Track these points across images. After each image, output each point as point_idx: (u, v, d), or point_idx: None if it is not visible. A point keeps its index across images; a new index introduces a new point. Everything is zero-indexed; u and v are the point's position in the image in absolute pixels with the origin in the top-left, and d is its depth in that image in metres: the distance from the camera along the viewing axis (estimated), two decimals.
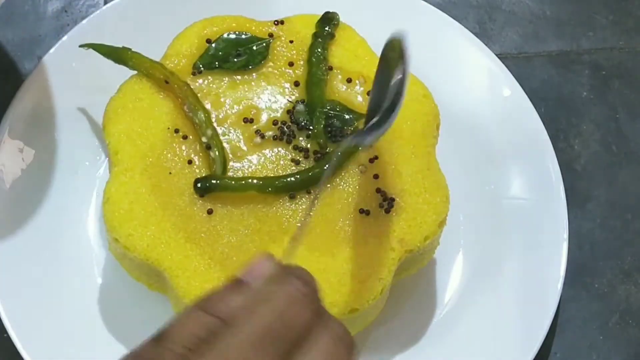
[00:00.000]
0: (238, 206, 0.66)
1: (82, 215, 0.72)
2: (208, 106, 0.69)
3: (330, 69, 0.71)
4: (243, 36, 0.72)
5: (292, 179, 0.67)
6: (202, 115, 0.68)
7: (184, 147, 0.68)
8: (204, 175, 0.67)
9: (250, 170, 0.67)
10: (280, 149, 0.68)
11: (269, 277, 0.45)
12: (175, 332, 0.41)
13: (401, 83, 0.61)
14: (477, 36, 0.80)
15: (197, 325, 0.42)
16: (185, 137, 0.68)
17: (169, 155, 0.68)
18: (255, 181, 0.66)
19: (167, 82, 0.69)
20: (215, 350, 0.40)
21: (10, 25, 0.80)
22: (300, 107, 0.69)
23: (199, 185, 0.66)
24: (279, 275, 0.45)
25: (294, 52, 0.71)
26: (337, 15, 0.72)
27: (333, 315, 0.63)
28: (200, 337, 0.41)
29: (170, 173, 0.67)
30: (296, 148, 0.68)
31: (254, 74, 0.71)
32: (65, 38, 0.75)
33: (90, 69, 0.73)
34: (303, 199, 0.67)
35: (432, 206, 0.67)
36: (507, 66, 0.78)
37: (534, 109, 0.77)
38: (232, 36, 0.71)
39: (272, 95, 0.70)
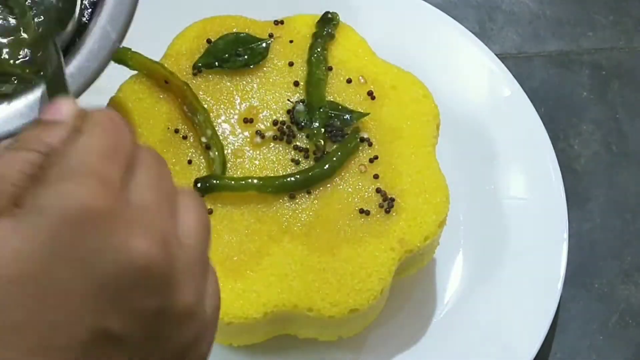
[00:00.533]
0: (238, 206, 0.66)
1: None
2: (209, 106, 0.69)
3: (330, 69, 0.71)
4: (243, 36, 0.71)
5: (292, 179, 0.67)
6: (202, 116, 0.68)
7: (183, 147, 0.68)
8: (203, 175, 0.67)
9: (250, 170, 0.67)
10: (280, 149, 0.68)
11: (77, 114, 0.41)
12: None
13: None
14: (477, 36, 0.80)
15: (18, 163, 0.38)
16: (185, 137, 0.68)
17: (169, 155, 0.68)
18: (255, 181, 0.66)
19: (166, 82, 0.69)
20: (54, 173, 0.38)
21: None
22: (300, 107, 0.69)
23: (198, 185, 0.66)
24: (87, 111, 0.41)
25: (294, 52, 0.71)
26: (337, 15, 0.72)
27: (333, 314, 0.64)
28: (28, 173, 0.38)
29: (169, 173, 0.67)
30: (296, 148, 0.68)
31: (253, 74, 0.71)
32: None
33: None
34: (303, 199, 0.67)
35: (432, 206, 0.67)
36: (507, 66, 0.78)
37: (534, 109, 0.77)
38: (232, 36, 0.71)
39: (272, 96, 0.70)
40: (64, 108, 0.41)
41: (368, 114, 0.69)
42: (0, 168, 0.38)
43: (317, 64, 0.70)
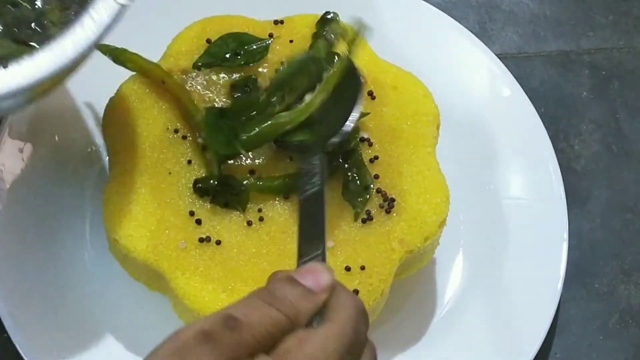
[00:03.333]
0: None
1: (82, 215, 0.72)
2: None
3: None
4: (243, 36, 0.71)
5: (292, 179, 0.67)
6: (199, 116, 0.68)
7: (183, 148, 0.68)
8: (203, 175, 0.67)
9: (248, 169, 0.67)
10: (280, 148, 0.68)
11: (330, 287, 0.46)
12: (247, 321, 0.42)
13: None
14: (477, 36, 0.80)
15: (266, 319, 0.43)
16: (184, 137, 0.68)
17: (169, 155, 0.68)
18: (254, 182, 0.66)
19: (164, 83, 0.69)
20: (288, 353, 0.42)
21: None
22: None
23: (199, 185, 0.66)
24: (337, 288, 0.46)
25: (294, 52, 0.71)
26: (337, 15, 0.72)
27: None
28: (271, 333, 0.43)
29: (169, 173, 0.67)
30: None
31: (253, 74, 0.71)
32: None
33: (90, 68, 0.73)
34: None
35: (433, 206, 0.67)
36: (507, 66, 0.78)
37: (534, 109, 0.77)
38: (232, 36, 0.71)
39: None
40: (322, 280, 0.46)
41: (368, 113, 0.69)
42: (252, 316, 0.43)
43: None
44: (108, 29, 0.55)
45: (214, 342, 0.41)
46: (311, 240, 0.52)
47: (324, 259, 0.49)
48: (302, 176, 0.59)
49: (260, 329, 0.42)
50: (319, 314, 0.45)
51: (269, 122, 0.66)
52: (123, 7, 0.55)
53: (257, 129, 0.66)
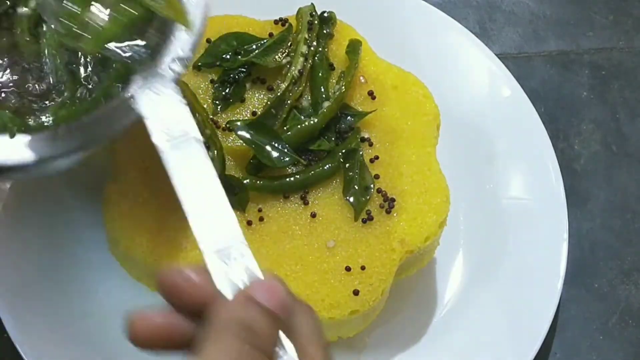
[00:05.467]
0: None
1: (83, 215, 0.72)
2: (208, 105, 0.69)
3: (332, 67, 0.71)
4: (243, 36, 0.71)
5: (292, 179, 0.67)
6: (200, 115, 0.68)
7: None
8: None
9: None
10: None
11: (285, 305, 0.43)
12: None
13: None
14: (477, 36, 0.80)
15: None
16: None
17: None
18: (254, 181, 0.66)
19: None
20: None
21: None
22: (306, 104, 0.69)
23: None
24: (294, 304, 0.44)
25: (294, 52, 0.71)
26: (334, 14, 0.72)
27: (333, 315, 0.64)
28: None
29: None
30: None
31: (253, 74, 0.71)
32: None
33: None
34: (303, 200, 0.67)
35: (433, 207, 0.67)
36: (507, 66, 0.78)
37: (534, 109, 0.77)
38: (232, 36, 0.71)
39: (271, 95, 0.70)
40: (282, 299, 0.42)
41: (371, 111, 0.69)
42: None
43: (319, 62, 0.70)
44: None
45: None
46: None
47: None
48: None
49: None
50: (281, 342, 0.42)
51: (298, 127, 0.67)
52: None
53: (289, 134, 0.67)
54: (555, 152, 0.75)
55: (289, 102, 0.68)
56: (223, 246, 0.42)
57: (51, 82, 0.58)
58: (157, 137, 0.43)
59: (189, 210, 0.42)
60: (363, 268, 0.65)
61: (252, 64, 0.70)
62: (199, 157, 0.43)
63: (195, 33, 0.56)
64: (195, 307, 0.42)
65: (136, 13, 0.55)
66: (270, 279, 0.43)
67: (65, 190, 0.72)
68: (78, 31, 0.54)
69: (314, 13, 0.71)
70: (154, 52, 0.55)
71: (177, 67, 0.54)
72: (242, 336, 0.40)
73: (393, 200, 0.66)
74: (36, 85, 0.59)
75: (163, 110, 0.43)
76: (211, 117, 0.69)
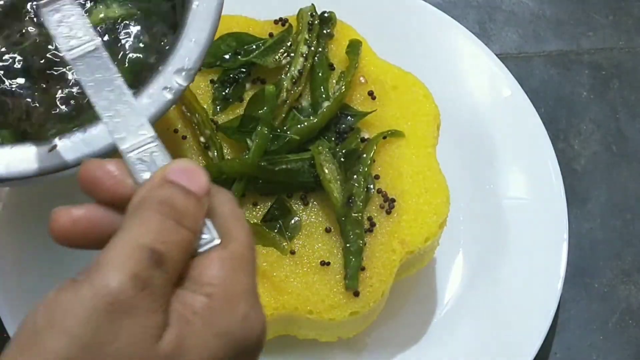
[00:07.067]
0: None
1: None
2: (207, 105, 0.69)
3: (332, 67, 0.71)
4: (243, 36, 0.71)
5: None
6: (200, 116, 0.68)
7: (183, 147, 0.68)
8: None
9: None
10: None
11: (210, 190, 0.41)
12: (169, 253, 0.39)
13: None
14: (477, 36, 0.80)
15: (183, 244, 0.39)
16: (184, 137, 0.68)
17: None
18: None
19: None
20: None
21: None
22: (305, 104, 0.69)
23: None
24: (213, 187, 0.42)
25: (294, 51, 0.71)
26: (334, 14, 0.72)
27: (333, 316, 0.64)
28: (186, 257, 0.40)
29: None
30: None
31: (253, 74, 0.71)
32: None
33: None
34: (303, 201, 0.67)
35: (433, 207, 0.67)
36: (507, 66, 0.78)
37: (534, 109, 0.77)
38: (232, 36, 0.71)
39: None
40: (202, 181, 0.41)
41: (372, 111, 0.69)
42: (171, 244, 0.39)
43: (319, 62, 0.70)
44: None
45: (151, 287, 0.37)
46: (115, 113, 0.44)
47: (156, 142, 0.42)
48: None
49: (180, 257, 0.39)
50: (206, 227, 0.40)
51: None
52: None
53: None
54: (555, 152, 0.75)
55: (288, 102, 0.68)
56: (138, 145, 0.42)
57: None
58: (63, 48, 0.45)
59: (102, 115, 0.43)
60: (363, 269, 0.64)
61: (252, 64, 0.70)
62: (105, 62, 0.44)
63: (202, 44, 0.57)
64: (116, 200, 0.41)
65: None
66: (188, 162, 0.41)
67: (66, 190, 0.72)
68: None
69: (314, 13, 0.71)
70: (160, 55, 0.56)
71: (181, 79, 0.56)
72: (164, 211, 0.39)
73: (393, 200, 0.66)
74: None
75: (66, 23, 0.46)
76: (211, 117, 0.69)
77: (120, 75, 0.44)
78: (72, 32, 0.46)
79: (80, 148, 0.53)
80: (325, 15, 0.72)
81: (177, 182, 0.40)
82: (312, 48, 0.70)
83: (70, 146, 0.53)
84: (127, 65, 0.59)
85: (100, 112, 0.43)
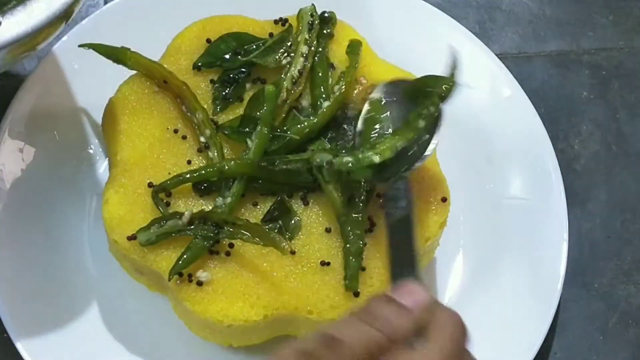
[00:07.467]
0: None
1: (82, 215, 0.72)
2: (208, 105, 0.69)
3: (332, 67, 0.71)
4: (243, 36, 0.71)
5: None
6: (200, 115, 0.68)
7: (183, 147, 0.68)
8: None
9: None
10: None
11: (426, 306, 0.47)
12: (346, 340, 0.43)
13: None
14: (477, 36, 0.80)
15: (365, 338, 0.43)
16: (184, 137, 0.68)
17: (168, 155, 0.68)
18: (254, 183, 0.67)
19: (165, 82, 0.69)
20: None
21: None
22: (305, 104, 0.69)
23: (199, 185, 0.66)
24: (435, 306, 0.47)
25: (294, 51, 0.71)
26: (334, 14, 0.72)
27: (333, 316, 0.64)
28: (370, 351, 0.43)
29: (169, 173, 0.67)
30: None
31: (253, 74, 0.71)
32: (65, 38, 0.75)
33: (90, 69, 0.73)
34: (303, 201, 0.67)
35: (433, 207, 0.67)
36: (507, 66, 0.78)
37: (534, 109, 0.77)
38: (232, 36, 0.71)
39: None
40: (419, 297, 0.46)
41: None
42: (351, 335, 0.43)
43: (320, 62, 0.70)
44: None
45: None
46: (402, 265, 0.53)
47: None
48: (388, 201, 0.61)
49: (359, 347, 0.43)
50: (419, 334, 0.45)
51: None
52: None
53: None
54: (555, 152, 0.75)
55: (288, 102, 0.68)
56: None
57: None
58: None
59: None
60: (363, 269, 0.64)
61: (252, 64, 0.70)
62: None
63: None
64: None
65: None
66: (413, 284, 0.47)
67: (65, 190, 0.72)
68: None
69: (314, 13, 0.71)
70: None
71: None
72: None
73: None
74: None
75: None
76: (211, 117, 0.69)
77: (415, 243, 0.54)
78: None
79: (25, 20, 0.55)
80: (325, 15, 0.72)
81: (395, 299, 0.46)
82: (312, 48, 0.70)
83: (15, 21, 0.55)
84: None
85: (392, 273, 0.56)
